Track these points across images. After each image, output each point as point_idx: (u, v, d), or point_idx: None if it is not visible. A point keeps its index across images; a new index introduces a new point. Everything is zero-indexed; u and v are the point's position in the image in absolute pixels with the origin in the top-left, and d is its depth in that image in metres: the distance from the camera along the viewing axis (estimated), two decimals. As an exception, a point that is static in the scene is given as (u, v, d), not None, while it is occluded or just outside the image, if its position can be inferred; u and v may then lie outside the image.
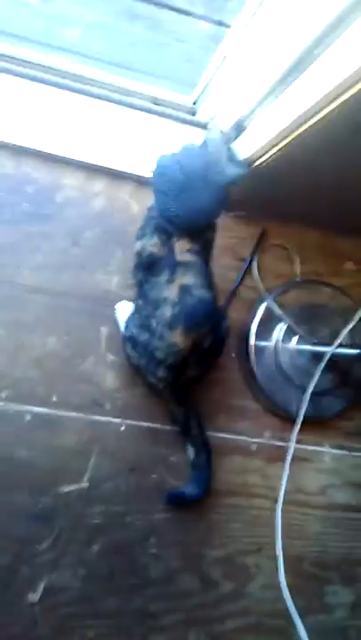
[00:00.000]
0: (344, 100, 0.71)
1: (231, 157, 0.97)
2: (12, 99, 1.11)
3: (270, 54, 0.91)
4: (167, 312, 0.97)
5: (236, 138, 0.99)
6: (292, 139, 0.84)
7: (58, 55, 1.22)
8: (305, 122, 0.79)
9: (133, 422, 1.15)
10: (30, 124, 1.11)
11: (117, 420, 1.14)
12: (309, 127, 0.81)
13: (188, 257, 0.98)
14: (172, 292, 0.97)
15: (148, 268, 1.01)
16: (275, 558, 1.17)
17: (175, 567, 1.13)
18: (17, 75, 1.10)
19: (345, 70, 0.67)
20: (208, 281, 1.02)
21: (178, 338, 0.98)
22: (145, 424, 1.16)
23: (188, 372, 1.06)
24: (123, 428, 1.15)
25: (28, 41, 1.22)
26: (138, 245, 1.02)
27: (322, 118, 0.77)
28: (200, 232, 0.99)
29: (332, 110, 0.74)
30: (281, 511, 1.22)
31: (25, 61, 1.09)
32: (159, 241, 0.98)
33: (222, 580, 1.16)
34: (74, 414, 1.11)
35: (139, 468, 1.14)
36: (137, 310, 1.06)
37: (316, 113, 0.76)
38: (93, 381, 1.13)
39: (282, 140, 0.86)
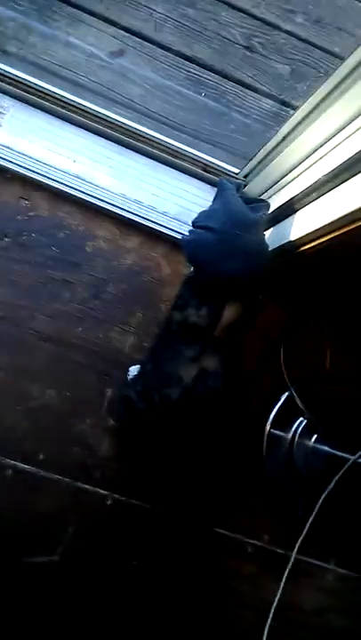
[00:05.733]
0: None
1: (248, 201, 0.94)
2: (62, 143, 1.10)
3: (332, 143, 0.87)
4: (174, 395, 0.89)
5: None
6: (343, 232, 0.78)
7: (116, 108, 1.22)
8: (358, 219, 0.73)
9: (122, 498, 1.05)
10: (74, 171, 1.10)
11: (105, 492, 1.04)
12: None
13: (226, 334, 0.91)
14: (188, 374, 0.90)
15: (180, 337, 0.94)
16: None
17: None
18: (70, 121, 1.10)
19: None
20: (232, 368, 0.94)
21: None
22: (135, 502, 1.06)
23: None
24: (109, 502, 1.05)
25: (89, 91, 1.23)
26: (177, 316, 0.93)
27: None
28: (254, 286, 0.93)
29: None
30: (268, 628, 1.08)
31: (83, 110, 1.09)
32: (207, 311, 0.90)
33: None
34: (58, 477, 1.02)
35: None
36: (144, 376, 0.99)
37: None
38: (87, 445, 1.05)
39: (331, 231, 0.80)
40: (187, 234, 0.92)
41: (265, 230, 1.04)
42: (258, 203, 0.92)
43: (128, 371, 1.07)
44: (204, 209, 0.99)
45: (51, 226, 1.09)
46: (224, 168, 1.15)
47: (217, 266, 0.87)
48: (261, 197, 1.13)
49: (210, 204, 1.10)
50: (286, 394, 1.15)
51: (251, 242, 0.88)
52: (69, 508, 1.03)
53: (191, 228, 0.92)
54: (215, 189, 1.11)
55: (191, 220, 1.06)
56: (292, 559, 1.11)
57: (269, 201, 1.09)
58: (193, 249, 0.90)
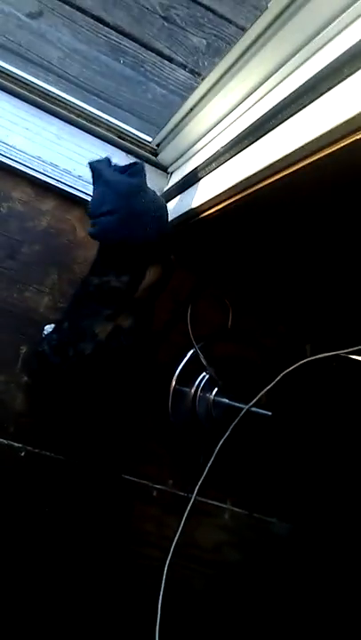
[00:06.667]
0: (292, 171, 0.73)
1: (122, 170, 0.93)
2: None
3: (233, 115, 0.95)
4: (87, 349, 0.95)
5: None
6: (239, 199, 0.86)
7: (34, 69, 1.21)
8: (254, 185, 0.81)
9: (35, 450, 1.11)
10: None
11: (18, 445, 1.09)
12: (257, 190, 0.82)
13: (146, 294, 0.96)
14: (104, 331, 0.95)
15: (98, 298, 0.97)
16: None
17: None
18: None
19: (299, 141, 0.68)
20: (144, 326, 1.01)
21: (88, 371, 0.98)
22: (48, 453, 1.12)
23: None
24: (23, 454, 1.10)
25: (6, 51, 1.21)
26: (95, 280, 0.96)
27: (269, 185, 0.79)
28: (166, 244, 0.98)
29: (280, 179, 0.76)
30: (169, 563, 1.20)
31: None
32: (128, 278, 0.94)
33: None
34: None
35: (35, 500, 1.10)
36: (59, 332, 1.03)
37: (264, 179, 0.78)
38: (1, 401, 1.08)
39: (229, 197, 0.88)
40: (91, 227, 0.93)
41: (173, 198, 1.11)
42: (131, 167, 0.92)
43: (43, 329, 1.11)
44: (92, 198, 0.95)
45: (-36, 184, 1.09)
46: (138, 136, 1.19)
47: (131, 240, 0.91)
48: (170, 166, 1.19)
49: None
50: (191, 351, 1.25)
51: (146, 205, 0.91)
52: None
53: (92, 221, 0.92)
54: (130, 158, 1.17)
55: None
56: (192, 500, 1.22)
57: (179, 170, 1.16)
58: (103, 237, 0.93)
